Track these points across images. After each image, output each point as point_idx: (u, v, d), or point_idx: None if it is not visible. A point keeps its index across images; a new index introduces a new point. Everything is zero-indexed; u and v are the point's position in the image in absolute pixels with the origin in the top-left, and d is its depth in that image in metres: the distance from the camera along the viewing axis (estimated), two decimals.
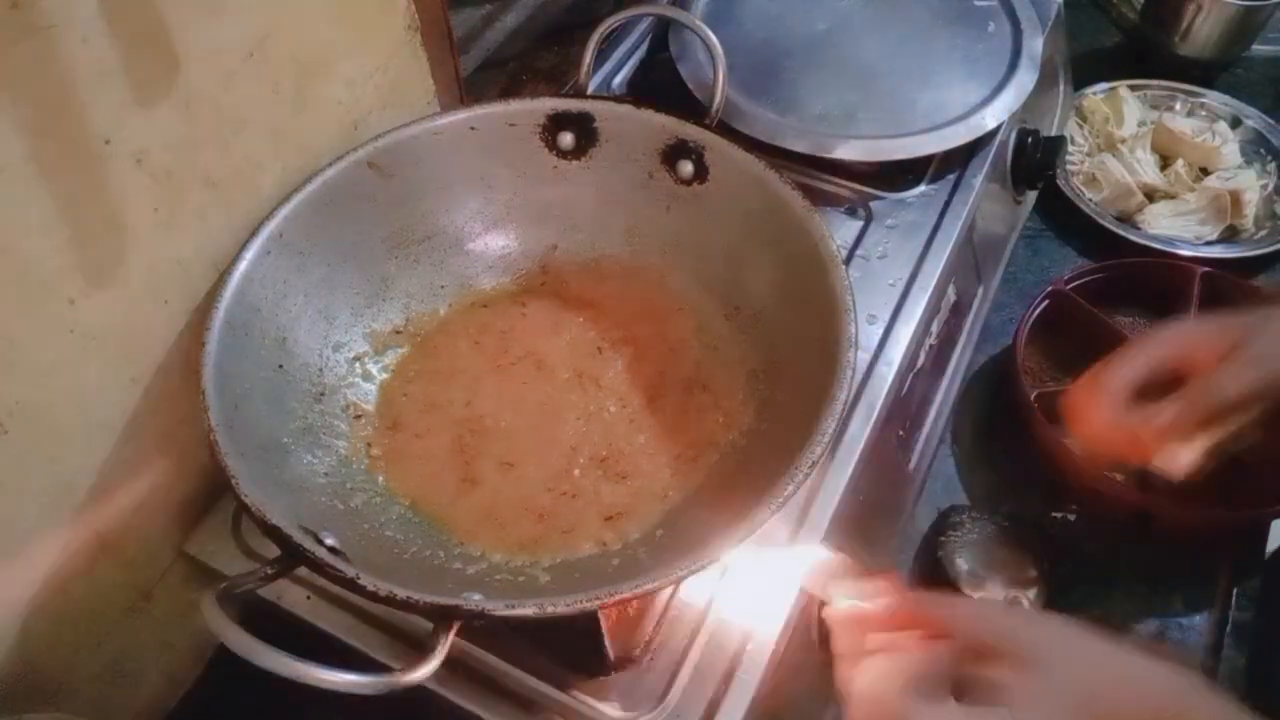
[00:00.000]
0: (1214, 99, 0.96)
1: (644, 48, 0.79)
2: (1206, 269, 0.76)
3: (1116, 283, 0.78)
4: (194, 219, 0.48)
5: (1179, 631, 0.64)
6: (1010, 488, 0.71)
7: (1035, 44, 0.73)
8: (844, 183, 0.69)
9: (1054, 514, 0.70)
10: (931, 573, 0.66)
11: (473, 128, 0.58)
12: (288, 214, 0.52)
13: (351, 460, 0.52)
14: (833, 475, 0.53)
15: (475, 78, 0.75)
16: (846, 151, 0.67)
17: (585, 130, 0.58)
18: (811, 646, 0.52)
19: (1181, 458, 0.45)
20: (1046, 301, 0.76)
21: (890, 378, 0.58)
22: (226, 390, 0.45)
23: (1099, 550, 0.67)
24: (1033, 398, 0.71)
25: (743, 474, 0.49)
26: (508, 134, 0.58)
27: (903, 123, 0.68)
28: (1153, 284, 0.77)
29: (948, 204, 0.67)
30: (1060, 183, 0.88)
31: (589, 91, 0.61)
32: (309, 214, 0.53)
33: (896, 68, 0.72)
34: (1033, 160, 0.77)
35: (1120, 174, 0.88)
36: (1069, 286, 0.77)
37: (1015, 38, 0.74)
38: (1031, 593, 0.62)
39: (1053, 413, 0.71)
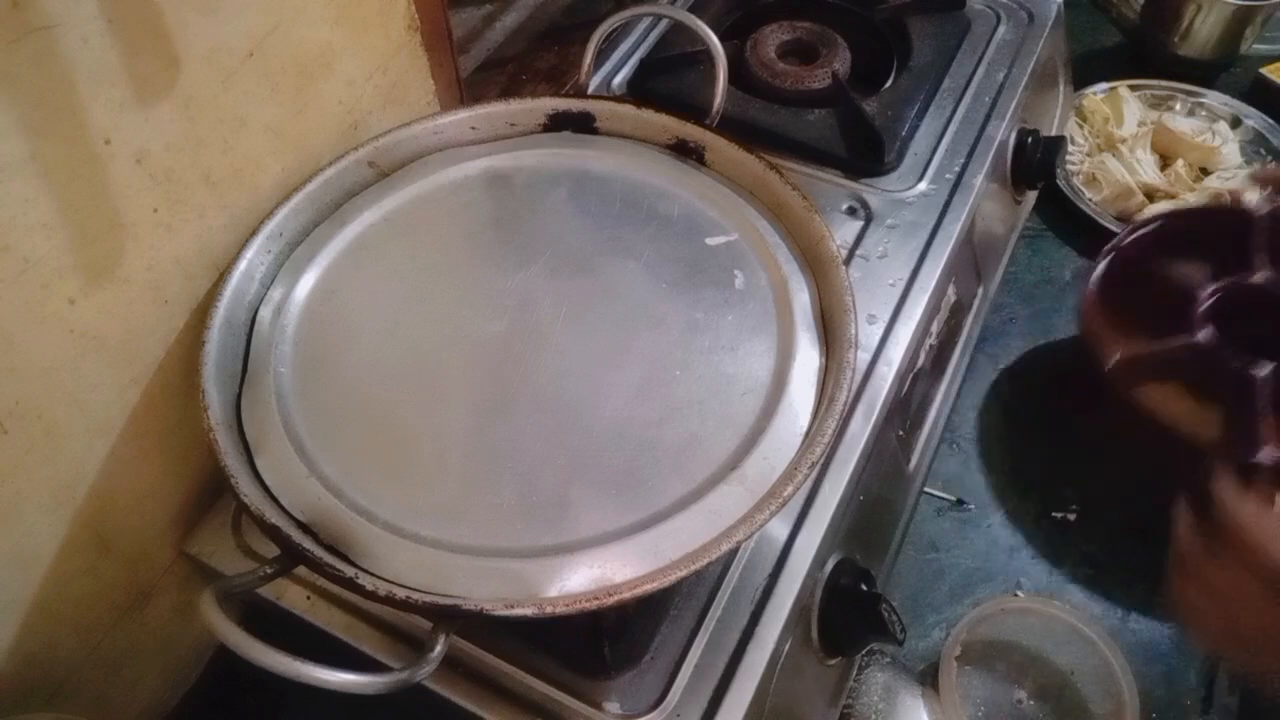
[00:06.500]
0: (1214, 99, 0.96)
1: (644, 48, 0.79)
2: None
3: (1177, 235, 0.72)
4: (194, 219, 0.48)
5: (1179, 632, 0.64)
6: (1010, 488, 0.71)
7: (803, 296, 0.49)
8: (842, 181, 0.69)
9: (1054, 514, 0.70)
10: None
11: (473, 127, 0.58)
12: (287, 213, 0.52)
13: None
14: (833, 475, 0.53)
15: (475, 78, 0.75)
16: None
17: (586, 130, 0.58)
18: (811, 646, 0.52)
19: None
20: (1105, 261, 0.72)
21: (890, 378, 0.58)
22: (226, 390, 0.45)
23: (1099, 550, 0.68)
24: (1108, 365, 0.66)
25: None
26: (508, 134, 0.58)
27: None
28: (1210, 238, 0.70)
29: (948, 204, 0.67)
30: (1060, 183, 0.88)
31: (589, 91, 0.61)
32: (309, 213, 0.53)
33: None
34: (1033, 160, 0.77)
35: (1120, 174, 0.88)
36: (1128, 242, 0.72)
37: (775, 289, 0.50)
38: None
39: (1124, 379, 0.66)
